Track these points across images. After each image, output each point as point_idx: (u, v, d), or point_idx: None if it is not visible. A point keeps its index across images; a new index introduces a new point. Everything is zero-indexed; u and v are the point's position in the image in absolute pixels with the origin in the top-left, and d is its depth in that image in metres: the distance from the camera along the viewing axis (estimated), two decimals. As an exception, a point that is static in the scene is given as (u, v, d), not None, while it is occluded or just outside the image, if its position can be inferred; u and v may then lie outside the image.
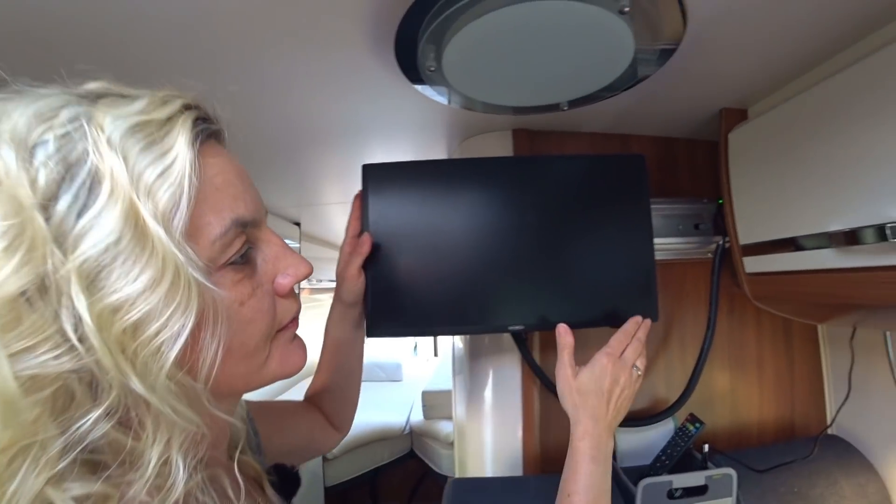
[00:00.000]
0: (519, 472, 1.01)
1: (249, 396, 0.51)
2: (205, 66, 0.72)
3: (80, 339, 0.31)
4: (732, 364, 1.10)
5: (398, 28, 0.62)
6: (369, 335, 0.79)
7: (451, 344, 1.27)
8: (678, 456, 0.98)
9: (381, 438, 3.05)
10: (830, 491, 0.99)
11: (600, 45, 0.62)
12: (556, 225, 0.79)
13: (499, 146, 1.02)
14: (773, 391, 1.12)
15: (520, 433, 1.01)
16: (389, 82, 0.77)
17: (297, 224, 2.12)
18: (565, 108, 0.81)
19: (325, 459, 2.56)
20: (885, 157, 0.62)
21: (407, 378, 4.21)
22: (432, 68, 0.68)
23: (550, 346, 1.03)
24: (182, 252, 0.33)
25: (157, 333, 0.32)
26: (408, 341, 4.64)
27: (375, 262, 0.77)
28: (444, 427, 2.85)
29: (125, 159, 0.32)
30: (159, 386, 0.33)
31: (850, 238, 0.67)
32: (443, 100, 0.81)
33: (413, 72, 0.72)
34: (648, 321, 0.73)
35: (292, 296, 0.45)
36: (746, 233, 0.89)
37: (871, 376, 1.01)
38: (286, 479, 0.53)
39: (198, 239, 0.35)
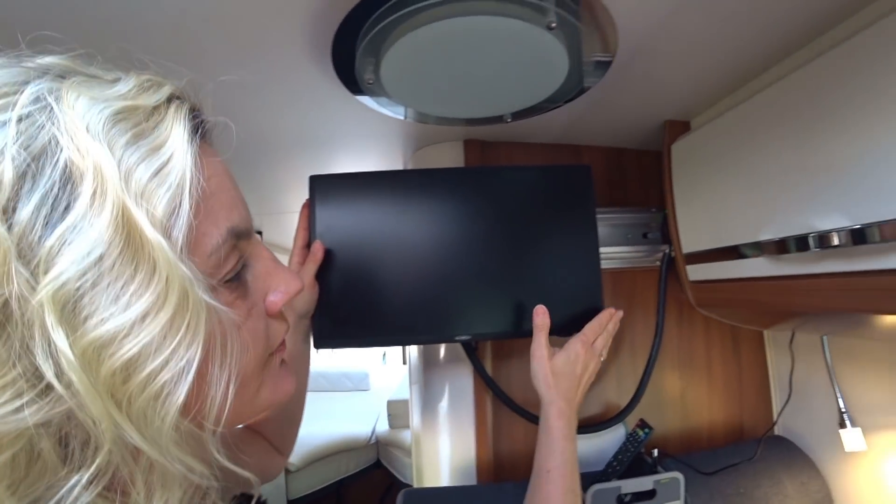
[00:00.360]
0: (473, 482, 1.01)
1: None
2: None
3: (59, 383, 0.24)
4: (682, 369, 1.13)
5: (334, 41, 0.62)
6: (317, 347, 0.78)
7: (408, 353, 1.26)
8: (628, 461, 0.99)
9: (346, 449, 3.01)
10: (774, 490, 1.02)
11: (534, 59, 0.63)
12: (505, 235, 0.80)
13: (450, 157, 1.03)
14: (722, 395, 1.15)
15: (474, 443, 1.01)
16: (334, 94, 0.77)
17: (259, 233, 2.09)
18: (509, 120, 0.82)
19: (287, 472, 2.51)
20: (808, 170, 0.65)
21: (375, 387, 4.18)
22: (370, 81, 0.68)
23: (502, 355, 1.05)
24: (188, 268, 0.27)
25: (160, 372, 0.26)
26: (376, 350, 4.61)
27: (322, 274, 0.76)
28: (410, 436, 2.80)
29: (111, 152, 0.26)
30: (164, 439, 0.26)
31: (780, 247, 0.70)
32: (388, 111, 0.82)
33: (354, 84, 0.72)
34: (621, 313, 0.77)
35: (281, 315, 0.39)
36: (689, 241, 0.91)
37: (811, 378, 1.05)
38: None
39: (196, 253, 0.29)
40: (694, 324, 1.14)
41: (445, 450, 1.04)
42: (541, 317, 0.70)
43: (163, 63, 0.34)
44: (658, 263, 1.05)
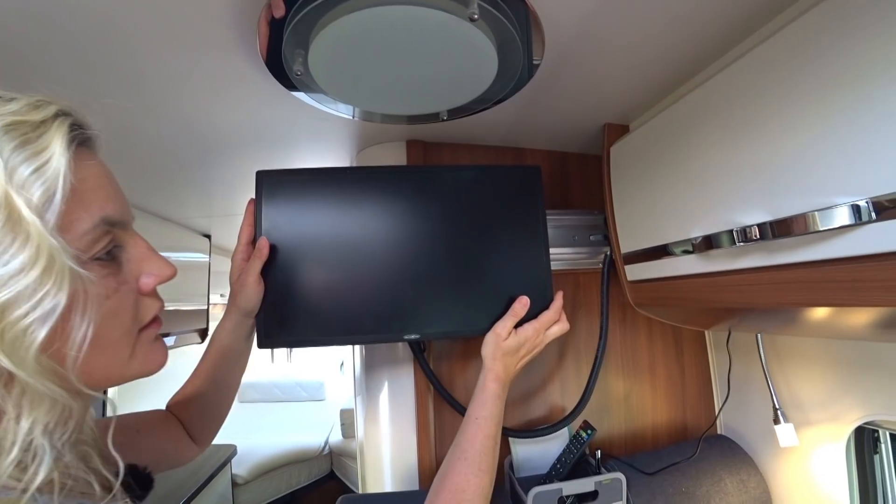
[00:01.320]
0: (416, 487, 0.99)
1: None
2: (81, 68, 0.68)
3: None
4: (626, 371, 1.14)
5: (258, 33, 0.61)
6: (261, 346, 0.77)
7: (352, 362, 1.24)
8: (572, 463, 0.99)
9: (298, 460, 2.93)
10: (716, 489, 1.03)
11: (462, 53, 0.63)
12: (455, 234, 0.79)
13: (393, 157, 1.02)
14: (666, 395, 1.16)
15: (415, 448, 0.99)
16: (269, 90, 0.75)
17: (208, 236, 2.02)
18: (445, 118, 0.81)
19: (234, 484, 2.42)
20: (732, 167, 0.66)
21: (330, 397, 4.09)
22: (299, 73, 0.66)
23: (443, 356, 1.03)
24: (56, 240, 0.35)
25: (28, 313, 0.34)
26: (333, 359, 4.52)
27: (267, 271, 0.74)
28: (357, 445, 2.76)
29: (1, 154, 0.34)
30: (28, 362, 0.35)
31: (707, 243, 0.71)
32: (328, 109, 0.80)
33: (287, 80, 0.70)
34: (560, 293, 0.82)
35: (155, 295, 0.48)
36: (626, 242, 0.93)
37: (749, 376, 1.08)
38: (138, 480, 0.52)
39: (67, 232, 0.37)
40: (637, 325, 1.15)
41: (387, 456, 1.02)
42: (520, 306, 0.77)
43: (56, 89, 0.41)
44: (600, 265, 1.06)
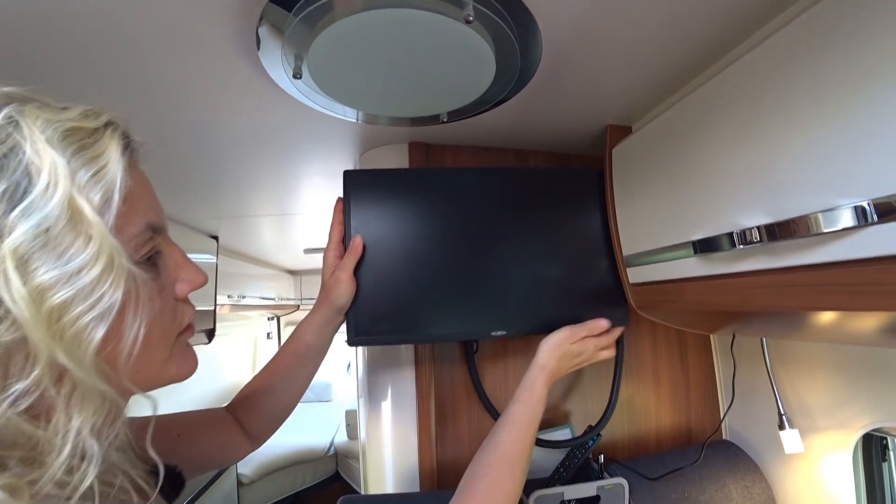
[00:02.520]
0: (416, 488, 0.98)
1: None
2: (83, 73, 0.69)
3: (14, 311, 0.33)
4: (629, 374, 1.13)
5: (257, 37, 0.61)
6: (351, 344, 0.80)
7: (355, 363, 1.24)
8: (575, 467, 0.98)
9: (304, 461, 2.94)
10: (720, 495, 1.02)
11: (459, 56, 0.62)
12: (532, 235, 0.84)
13: (395, 159, 1.02)
14: (670, 400, 1.15)
15: (416, 449, 0.99)
16: (270, 93, 0.76)
17: (215, 238, 2.03)
18: (445, 120, 0.81)
19: (240, 484, 2.43)
20: (733, 169, 0.65)
21: (337, 398, 4.10)
22: (299, 75, 0.66)
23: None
24: (115, 240, 0.37)
25: (88, 311, 0.35)
26: (341, 360, 4.53)
27: (358, 270, 0.78)
28: (362, 446, 2.76)
29: (63, 157, 0.35)
30: (86, 360, 0.35)
31: (708, 246, 0.70)
32: (330, 112, 0.81)
33: (286, 82, 0.71)
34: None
35: (188, 301, 0.50)
36: (629, 244, 0.92)
37: (754, 381, 1.06)
38: (170, 480, 0.52)
39: (121, 234, 0.39)
40: (640, 329, 1.14)
41: (389, 457, 1.02)
42: (601, 323, 0.82)
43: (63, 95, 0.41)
44: (604, 268, 1.05)
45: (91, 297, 0.35)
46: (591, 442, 0.99)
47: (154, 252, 0.44)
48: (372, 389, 1.04)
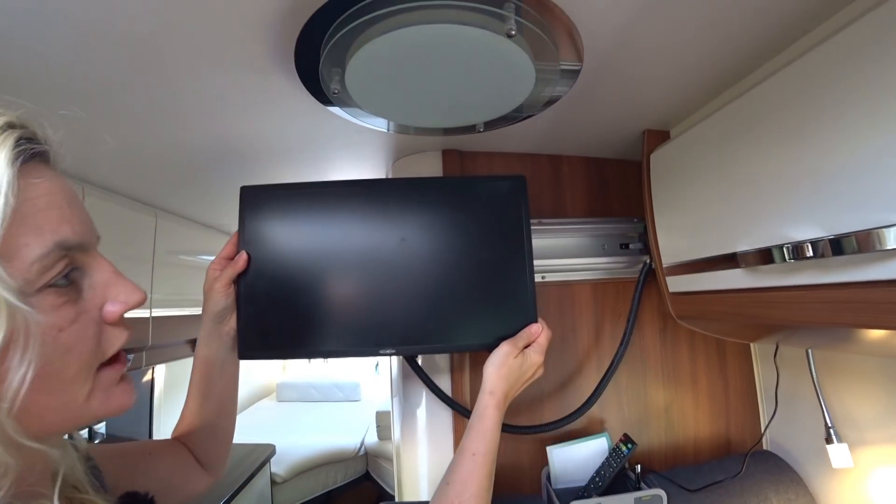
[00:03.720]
0: (452, 498, 0.99)
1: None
2: (120, 88, 0.71)
3: None
4: (666, 382, 1.10)
5: (296, 53, 0.62)
6: (241, 357, 0.76)
7: (390, 365, 1.25)
8: (611, 477, 0.97)
9: (334, 461, 2.97)
10: (761, 508, 0.99)
11: (499, 68, 0.62)
12: (435, 248, 0.77)
13: (428, 166, 1.02)
14: (708, 409, 1.12)
15: (452, 455, 0.99)
16: (305, 105, 0.77)
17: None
18: (481, 130, 0.80)
19: (273, 483, 2.48)
20: (783, 179, 0.63)
21: (365, 398, 4.13)
22: (336, 91, 0.67)
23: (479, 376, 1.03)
24: None
25: None
26: (369, 360, 4.56)
27: (250, 284, 0.74)
28: (395, 448, 2.78)
29: None
30: None
31: (755, 258, 0.68)
32: (362, 122, 0.81)
33: (323, 95, 0.71)
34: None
35: (122, 324, 0.42)
36: (668, 252, 0.90)
37: (798, 392, 1.03)
38: None
39: (12, 259, 0.33)
40: (678, 337, 1.12)
41: (424, 462, 1.02)
42: (534, 328, 0.74)
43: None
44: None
45: None
46: (627, 451, 0.97)
47: (71, 269, 0.38)
48: (407, 394, 1.05)
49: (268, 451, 2.17)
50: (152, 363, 1.40)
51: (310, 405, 4.09)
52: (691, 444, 1.11)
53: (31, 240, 0.35)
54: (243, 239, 0.75)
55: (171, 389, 2.23)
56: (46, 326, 0.35)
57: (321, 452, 2.89)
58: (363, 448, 3.13)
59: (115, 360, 0.42)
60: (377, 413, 2.96)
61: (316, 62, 0.63)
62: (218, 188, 1.31)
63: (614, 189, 1.12)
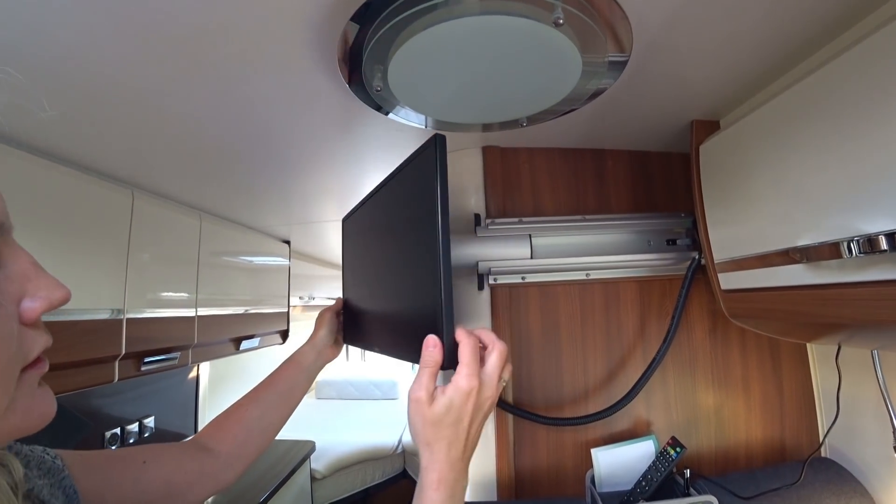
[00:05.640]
0: (493, 498, 0.97)
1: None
2: (170, 90, 0.73)
3: None
4: (716, 384, 1.06)
5: (339, 53, 0.62)
6: (344, 342, 0.94)
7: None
8: (658, 481, 0.94)
9: (372, 458, 3.00)
10: (822, 519, 0.94)
11: (545, 59, 0.60)
12: (371, 248, 0.81)
13: (469, 163, 1.01)
14: (761, 412, 1.07)
15: (494, 457, 0.97)
16: (346, 105, 0.77)
17: (287, 242, 2.11)
18: (525, 124, 0.79)
19: (313, 479, 2.52)
20: (850, 169, 0.59)
21: (403, 396, 4.14)
22: (379, 88, 0.67)
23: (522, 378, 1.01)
24: None
25: None
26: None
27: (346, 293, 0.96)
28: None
29: None
30: None
31: (819, 253, 0.64)
32: (402, 119, 0.80)
33: (365, 94, 0.71)
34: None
35: (41, 326, 0.36)
36: (720, 248, 0.86)
37: (862, 396, 0.97)
38: None
39: None
40: (729, 336, 1.07)
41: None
42: (429, 350, 0.52)
43: None
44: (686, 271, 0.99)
45: None
46: (676, 455, 0.94)
47: None
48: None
49: (308, 448, 2.21)
50: (198, 360, 1.44)
51: (348, 403, 4.15)
52: (743, 449, 1.07)
53: None
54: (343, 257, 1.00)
55: (215, 386, 2.30)
56: None
57: (360, 450, 2.93)
58: (401, 446, 3.15)
59: (34, 362, 0.36)
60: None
61: (359, 60, 0.63)
62: (259, 189, 1.34)
63: (659, 183, 1.08)
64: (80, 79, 0.67)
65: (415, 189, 0.59)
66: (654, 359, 0.95)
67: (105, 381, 1.10)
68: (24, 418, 0.34)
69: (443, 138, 0.56)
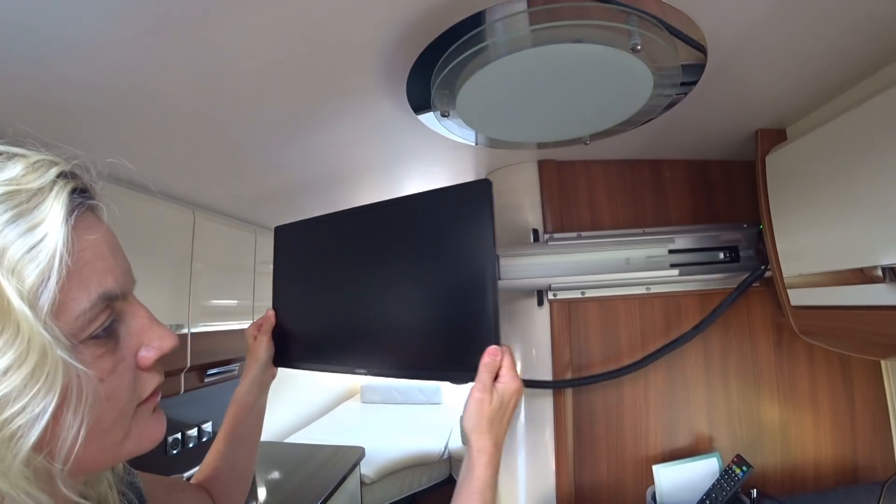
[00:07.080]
0: (553, 513, 0.97)
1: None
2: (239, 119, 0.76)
3: None
4: (783, 399, 1.03)
5: (408, 82, 0.63)
6: (276, 364, 0.85)
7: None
8: (724, 501, 0.92)
9: (419, 464, 3.00)
10: (900, 544, 0.90)
11: (618, 82, 0.60)
12: (399, 271, 0.76)
13: (524, 177, 1.01)
14: (831, 430, 1.03)
15: (553, 471, 0.97)
16: (406, 125, 0.79)
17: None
18: (588, 143, 0.78)
19: (363, 483, 2.55)
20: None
21: (447, 401, 4.16)
22: (446, 113, 0.68)
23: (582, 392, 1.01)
24: (49, 332, 0.31)
25: (15, 417, 0.30)
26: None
27: (282, 306, 0.87)
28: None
29: None
30: (13, 473, 0.30)
31: (905, 273, 0.62)
32: (459, 137, 0.81)
33: (421, 111, 0.73)
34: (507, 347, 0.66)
35: (155, 368, 0.42)
36: (790, 263, 0.83)
37: (943, 415, 0.92)
38: None
39: (62, 315, 0.33)
40: (795, 349, 1.04)
41: (522, 476, 1.01)
42: (491, 357, 0.62)
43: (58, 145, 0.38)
44: (755, 285, 0.96)
45: (20, 401, 0.30)
46: (742, 474, 0.91)
47: (112, 321, 0.37)
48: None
49: (358, 454, 2.24)
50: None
51: (393, 407, 4.17)
52: (811, 468, 1.03)
53: (78, 294, 0.34)
54: (275, 273, 0.90)
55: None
56: (91, 379, 0.34)
57: (407, 455, 2.94)
58: (447, 452, 3.15)
59: (148, 398, 0.42)
60: (461, 418, 2.96)
61: (427, 87, 0.64)
62: (312, 208, 1.37)
63: (720, 192, 1.05)
64: (144, 116, 0.72)
65: (460, 214, 0.68)
66: (673, 339, 0.96)
67: (173, 394, 1.16)
68: (137, 442, 0.40)
69: (489, 185, 0.65)
